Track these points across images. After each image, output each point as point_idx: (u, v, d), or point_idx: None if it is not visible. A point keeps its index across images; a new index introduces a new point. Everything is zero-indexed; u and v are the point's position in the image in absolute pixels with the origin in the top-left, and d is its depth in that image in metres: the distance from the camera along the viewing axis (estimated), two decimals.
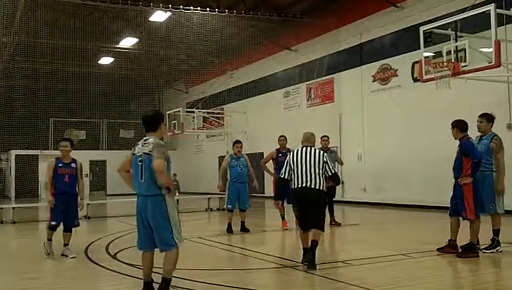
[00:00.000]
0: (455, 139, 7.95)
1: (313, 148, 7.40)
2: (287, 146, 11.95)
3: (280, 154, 11.80)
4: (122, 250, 8.75)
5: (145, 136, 5.61)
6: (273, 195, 12.34)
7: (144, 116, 5.75)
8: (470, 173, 7.61)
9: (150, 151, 5.40)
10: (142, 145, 5.48)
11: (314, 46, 21.58)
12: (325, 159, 7.22)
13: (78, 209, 8.51)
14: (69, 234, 8.42)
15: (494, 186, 7.92)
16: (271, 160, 11.96)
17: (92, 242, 8.97)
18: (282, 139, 11.97)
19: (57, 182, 8.31)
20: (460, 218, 7.80)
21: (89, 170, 30.15)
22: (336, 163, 12.37)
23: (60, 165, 8.38)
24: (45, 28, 21.32)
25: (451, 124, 7.99)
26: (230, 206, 11.21)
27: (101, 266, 7.56)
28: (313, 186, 7.10)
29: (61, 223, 8.36)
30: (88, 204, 16.02)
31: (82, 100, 29.36)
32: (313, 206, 7.17)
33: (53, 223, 8.26)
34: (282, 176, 7.40)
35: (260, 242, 10.55)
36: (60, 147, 8.55)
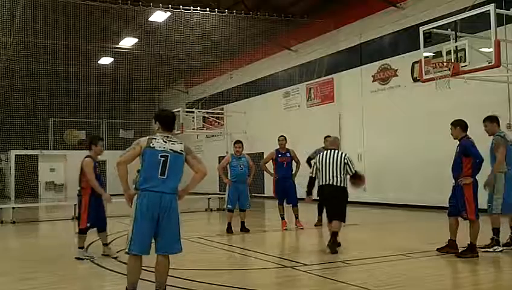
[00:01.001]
0: (455, 139, 7.96)
1: (336, 151, 8.63)
2: (286, 146, 11.94)
3: (280, 155, 11.81)
4: (122, 250, 8.73)
5: (161, 134, 5.40)
6: (273, 195, 12.43)
7: (171, 114, 5.60)
8: (471, 173, 7.62)
9: (181, 150, 5.34)
10: (165, 142, 5.31)
11: (314, 46, 21.58)
12: (345, 161, 8.45)
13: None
14: (105, 233, 8.41)
15: (494, 185, 7.95)
16: (271, 160, 11.97)
17: (92, 242, 8.96)
18: (282, 139, 11.97)
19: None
20: (460, 218, 7.81)
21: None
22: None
23: (96, 165, 8.22)
24: (45, 28, 21.28)
25: (452, 124, 8.00)
26: (230, 206, 11.20)
27: (101, 266, 7.56)
28: (335, 184, 8.37)
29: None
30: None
31: (82, 100, 29.35)
32: (336, 200, 8.48)
33: (88, 225, 8.14)
34: (311, 175, 8.85)
35: (260, 242, 10.55)
36: (99, 146, 8.36)
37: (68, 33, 22.28)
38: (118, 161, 5.33)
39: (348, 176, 8.50)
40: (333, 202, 8.53)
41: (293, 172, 11.88)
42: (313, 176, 8.79)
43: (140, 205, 5.15)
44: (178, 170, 5.33)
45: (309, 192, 9.01)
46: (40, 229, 14.31)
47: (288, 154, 11.81)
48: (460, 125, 7.91)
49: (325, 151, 8.79)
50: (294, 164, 11.93)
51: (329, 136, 12.29)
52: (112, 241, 8.39)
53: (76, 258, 8.09)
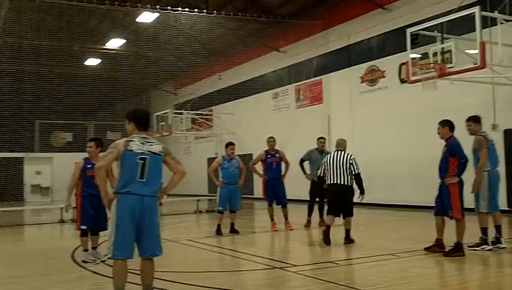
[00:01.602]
0: (441, 138, 8.04)
1: (343, 152, 9.42)
2: (276, 147, 11.96)
3: (269, 156, 11.82)
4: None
5: (137, 135, 5.31)
6: (262, 197, 12.45)
7: (146, 112, 5.53)
8: (457, 173, 7.70)
9: (160, 151, 5.27)
10: (143, 143, 5.22)
11: (303, 48, 21.65)
12: (351, 161, 9.27)
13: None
14: (97, 237, 8.23)
15: (481, 185, 8.04)
16: (260, 161, 11.98)
17: (79, 246, 8.91)
18: (271, 140, 11.98)
19: (86, 183, 8.02)
20: (446, 217, 7.89)
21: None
22: None
23: (89, 166, 7.99)
24: (31, 28, 21.15)
25: (441, 123, 8.07)
26: (221, 208, 11.17)
27: (88, 270, 7.51)
28: (342, 183, 9.21)
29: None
30: (74, 207, 15.90)
31: (69, 102, 29.15)
32: (343, 197, 9.30)
33: (83, 227, 8.00)
34: (319, 174, 9.68)
35: (250, 243, 10.56)
36: (87, 148, 8.27)
37: (54, 34, 22.11)
38: (98, 166, 5.27)
39: (352, 175, 9.31)
40: (341, 200, 9.32)
41: (282, 173, 11.91)
42: (322, 175, 9.58)
43: (120, 209, 5.08)
44: (157, 171, 5.25)
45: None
46: (26, 233, 14.17)
47: (277, 155, 11.83)
48: (448, 125, 8.00)
49: (333, 153, 9.54)
50: (283, 165, 11.96)
51: (322, 138, 12.43)
52: (99, 244, 8.33)
53: (82, 261, 7.99)
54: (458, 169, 7.69)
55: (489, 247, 8.06)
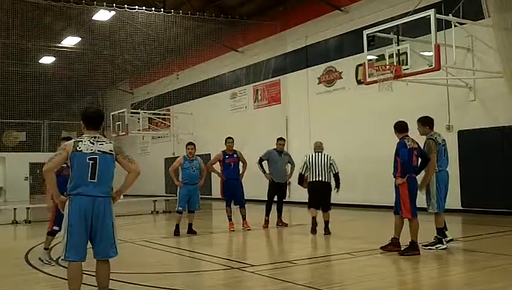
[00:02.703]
0: (421, 134, 8.25)
1: (323, 153, 10.67)
2: (233, 148, 11.93)
3: (227, 156, 11.78)
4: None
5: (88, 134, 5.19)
6: (220, 197, 12.38)
7: (95, 111, 5.42)
8: (401, 174, 7.83)
9: (111, 150, 5.14)
10: (93, 143, 5.10)
11: (261, 48, 21.69)
12: (331, 162, 10.56)
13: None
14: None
15: (430, 185, 8.22)
16: (218, 162, 11.93)
17: (33, 247, 8.67)
18: (230, 141, 11.95)
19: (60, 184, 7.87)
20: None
21: (29, 172, 29.19)
22: (289, 165, 12.46)
23: (64, 166, 7.84)
24: None
25: (395, 126, 8.22)
26: (180, 208, 11.08)
27: (43, 272, 7.31)
28: (324, 180, 10.48)
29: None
30: (28, 208, 15.52)
31: (22, 100, 28.31)
32: (324, 192, 10.56)
33: (56, 228, 7.72)
34: (301, 172, 10.71)
35: (208, 244, 10.49)
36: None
37: (7, 31, 21.46)
38: (45, 169, 5.11)
39: (332, 174, 10.54)
40: (322, 195, 10.57)
41: (240, 173, 11.90)
42: (302, 173, 10.66)
43: (72, 211, 4.99)
44: (109, 171, 5.14)
45: (300, 183, 10.94)
46: None
47: (235, 156, 11.81)
48: (396, 127, 8.21)
49: (315, 153, 10.67)
50: (241, 165, 11.95)
51: (282, 139, 12.50)
52: (53, 246, 8.11)
53: (39, 258, 7.82)
54: (402, 169, 7.81)
55: (444, 246, 8.23)
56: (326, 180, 10.50)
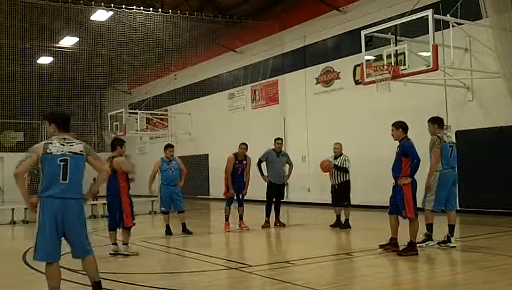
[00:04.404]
0: (395, 140, 8.16)
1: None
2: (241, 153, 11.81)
3: (237, 162, 11.68)
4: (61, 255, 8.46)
5: (59, 136, 5.26)
6: (220, 197, 12.35)
7: (64, 113, 5.55)
8: (409, 174, 7.83)
9: (81, 151, 5.22)
10: (63, 144, 5.17)
11: (259, 48, 21.68)
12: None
13: None
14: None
15: (433, 182, 8.26)
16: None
17: (31, 247, 8.61)
18: (243, 147, 11.74)
19: None
20: (400, 216, 8.01)
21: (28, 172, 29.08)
22: (287, 165, 12.45)
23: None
24: None
25: (394, 124, 8.18)
26: (163, 209, 11.17)
27: (40, 272, 7.28)
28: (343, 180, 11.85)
29: None
30: (26, 208, 15.46)
31: (20, 101, 28.26)
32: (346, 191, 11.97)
33: None
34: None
35: (206, 244, 10.49)
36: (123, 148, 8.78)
37: (4, 31, 21.41)
38: (15, 173, 5.18)
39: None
40: (344, 193, 11.77)
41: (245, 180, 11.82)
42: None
43: (44, 213, 5.07)
44: (79, 172, 5.23)
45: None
46: None
47: (244, 162, 11.75)
48: (402, 127, 8.12)
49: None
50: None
51: (279, 139, 12.47)
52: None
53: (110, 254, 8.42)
54: (410, 169, 7.82)
55: (433, 243, 8.26)
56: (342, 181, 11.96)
